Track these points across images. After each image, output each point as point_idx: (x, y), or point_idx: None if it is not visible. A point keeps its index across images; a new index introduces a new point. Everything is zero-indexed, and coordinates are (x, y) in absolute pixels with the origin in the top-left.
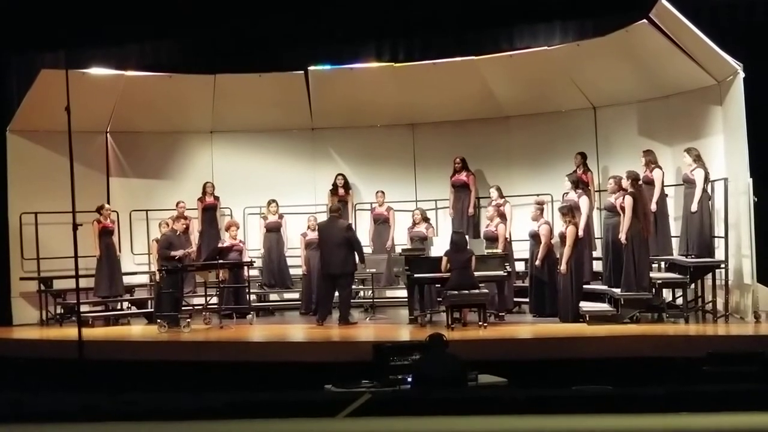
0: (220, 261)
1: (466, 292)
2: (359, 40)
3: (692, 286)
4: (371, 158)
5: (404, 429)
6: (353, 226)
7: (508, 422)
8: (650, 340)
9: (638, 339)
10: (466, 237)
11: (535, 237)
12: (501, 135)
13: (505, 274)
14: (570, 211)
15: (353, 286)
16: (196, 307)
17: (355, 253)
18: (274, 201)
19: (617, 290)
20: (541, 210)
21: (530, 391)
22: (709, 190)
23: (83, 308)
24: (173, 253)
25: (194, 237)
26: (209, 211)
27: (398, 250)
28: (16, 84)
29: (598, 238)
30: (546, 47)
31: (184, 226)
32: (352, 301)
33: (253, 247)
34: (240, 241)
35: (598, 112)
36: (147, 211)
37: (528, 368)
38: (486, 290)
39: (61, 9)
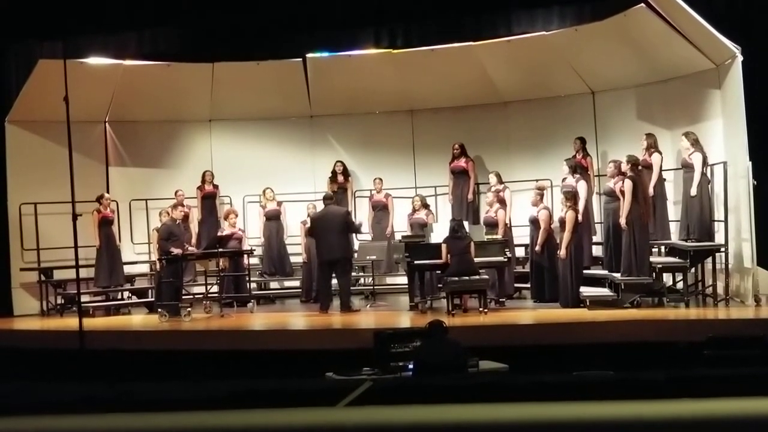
0: (220, 249)
1: (467, 278)
2: (357, 27)
3: (692, 270)
4: (370, 145)
5: (405, 418)
6: (351, 213)
7: (509, 410)
8: (651, 325)
9: (639, 324)
10: (465, 223)
11: (534, 222)
12: (500, 121)
13: (505, 259)
14: (573, 197)
15: (353, 273)
16: (196, 296)
17: (354, 237)
18: (269, 188)
19: (617, 275)
20: (541, 195)
21: (531, 377)
22: (709, 174)
23: (84, 298)
24: (173, 250)
25: (194, 226)
26: (208, 200)
27: (398, 236)
28: (15, 74)
29: (598, 223)
30: (544, 32)
31: (183, 213)
32: (353, 288)
33: (253, 235)
34: (240, 230)
35: (596, 96)
36: (146, 200)
37: (529, 354)
38: (486, 276)
39: None
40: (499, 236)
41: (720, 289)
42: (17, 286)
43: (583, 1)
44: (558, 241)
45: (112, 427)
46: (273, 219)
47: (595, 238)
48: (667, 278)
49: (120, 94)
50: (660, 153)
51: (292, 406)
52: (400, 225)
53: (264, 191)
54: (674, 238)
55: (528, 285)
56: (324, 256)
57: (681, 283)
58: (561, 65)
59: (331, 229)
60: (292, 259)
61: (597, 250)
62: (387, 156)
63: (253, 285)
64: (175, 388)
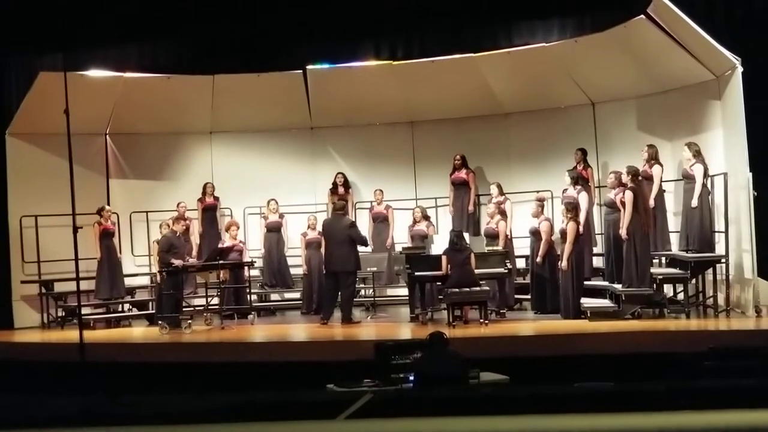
0: (221, 261)
1: (467, 289)
2: (357, 39)
3: (693, 281)
4: (371, 157)
5: (406, 430)
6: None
7: (509, 422)
8: (652, 336)
9: (640, 335)
10: (465, 235)
11: (535, 234)
12: (500, 132)
13: (506, 271)
14: (574, 208)
15: (355, 285)
16: (197, 308)
17: (358, 250)
18: (273, 200)
19: (618, 286)
20: (542, 207)
21: (532, 389)
22: (709, 185)
23: (84, 311)
24: (173, 261)
25: (195, 238)
26: (209, 212)
27: (399, 248)
28: (15, 87)
29: (598, 234)
30: (544, 44)
31: (184, 227)
32: (353, 299)
33: (254, 247)
34: (240, 242)
35: (597, 107)
36: (147, 212)
37: (530, 365)
38: (487, 287)
39: (58, 11)
40: (499, 247)
41: (721, 300)
42: (18, 298)
43: (583, 13)
44: (559, 253)
45: None
46: (274, 231)
47: (595, 249)
48: (668, 289)
49: (120, 107)
50: (660, 164)
51: (293, 418)
52: (400, 236)
53: (268, 202)
54: (675, 249)
55: (529, 296)
56: (326, 266)
57: (682, 294)
58: (561, 76)
59: (334, 240)
60: (293, 270)
61: (598, 261)
62: (387, 167)
63: (254, 297)
64: (176, 401)
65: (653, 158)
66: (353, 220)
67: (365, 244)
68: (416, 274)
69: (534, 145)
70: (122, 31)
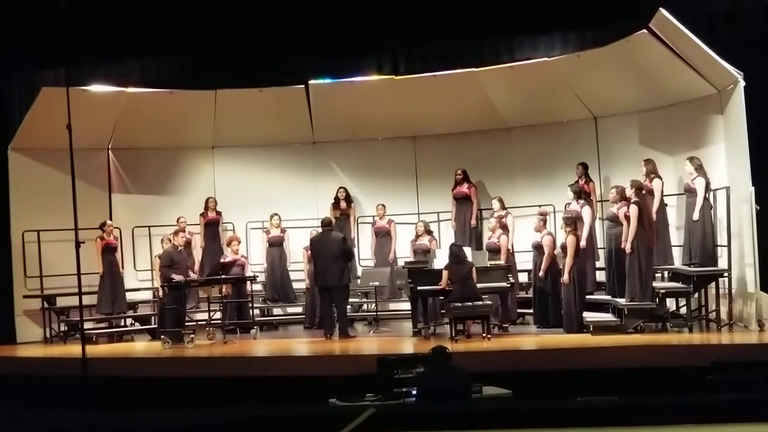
0: (223, 276)
1: (470, 303)
2: (359, 53)
3: (696, 295)
4: (373, 171)
5: None
6: (354, 239)
7: None
8: (654, 350)
9: (642, 349)
10: (465, 249)
11: (538, 248)
12: (502, 146)
13: (509, 285)
14: (573, 222)
15: (351, 299)
16: (199, 323)
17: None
18: (276, 214)
19: (621, 300)
20: (544, 221)
21: (535, 403)
22: (711, 199)
23: (87, 325)
24: (174, 277)
25: (197, 252)
26: (211, 227)
27: (401, 262)
28: (18, 102)
29: (601, 248)
30: (546, 58)
31: (185, 240)
32: (356, 314)
33: (256, 262)
34: (242, 256)
35: (599, 122)
36: (149, 227)
37: (532, 379)
38: (489, 302)
39: (60, 26)
40: (501, 262)
41: (723, 314)
42: (20, 313)
43: (585, 27)
44: (561, 267)
45: None
46: (276, 245)
47: (597, 264)
48: (671, 303)
49: (123, 122)
50: (660, 178)
51: None
52: (403, 251)
53: (271, 217)
54: (677, 263)
55: (531, 310)
56: (319, 282)
57: (684, 308)
58: (563, 91)
59: (327, 256)
60: (295, 285)
61: (600, 276)
62: (390, 182)
63: (256, 311)
64: (178, 416)
65: (652, 172)
66: (344, 235)
67: (351, 257)
68: (419, 288)
69: (536, 159)
70: (125, 46)
